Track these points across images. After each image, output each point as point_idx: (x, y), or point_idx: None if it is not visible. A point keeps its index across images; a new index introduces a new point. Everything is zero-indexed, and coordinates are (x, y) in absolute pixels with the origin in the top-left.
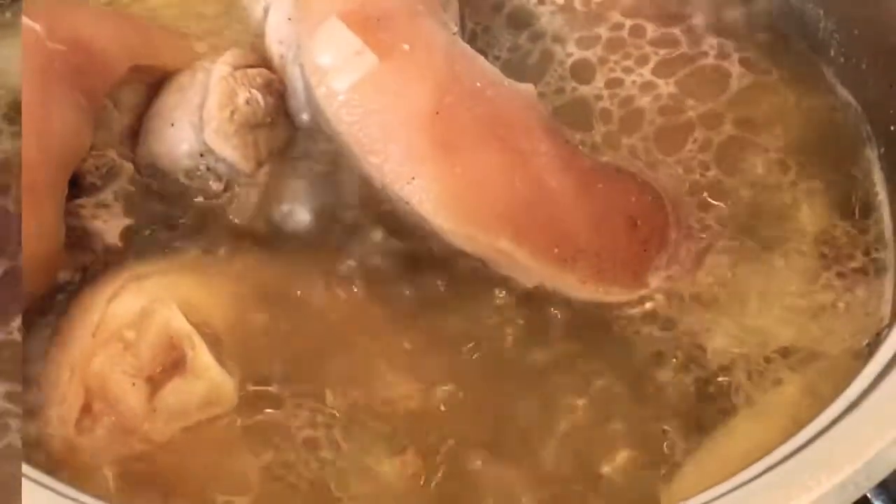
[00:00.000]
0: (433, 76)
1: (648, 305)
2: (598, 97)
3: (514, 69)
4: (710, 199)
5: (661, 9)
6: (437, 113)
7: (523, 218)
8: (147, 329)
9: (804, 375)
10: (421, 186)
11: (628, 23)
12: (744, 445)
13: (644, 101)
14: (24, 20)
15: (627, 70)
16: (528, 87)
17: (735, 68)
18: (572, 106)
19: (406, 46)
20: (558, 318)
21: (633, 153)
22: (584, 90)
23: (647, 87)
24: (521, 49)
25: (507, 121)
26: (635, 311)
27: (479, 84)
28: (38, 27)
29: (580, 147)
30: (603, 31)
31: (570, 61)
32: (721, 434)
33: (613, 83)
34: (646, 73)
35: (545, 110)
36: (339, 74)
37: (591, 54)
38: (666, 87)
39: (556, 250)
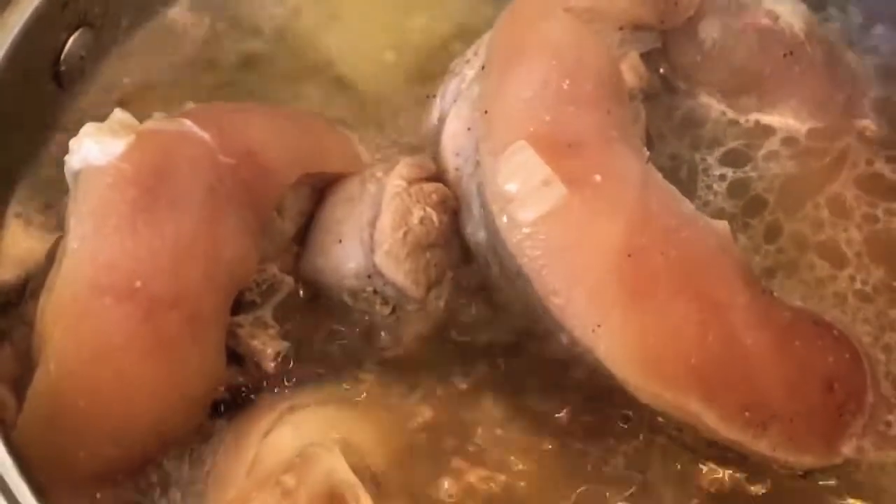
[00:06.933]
0: (625, 213)
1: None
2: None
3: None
4: None
5: None
6: (629, 255)
7: (715, 378)
8: (308, 477)
9: None
10: (606, 336)
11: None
12: None
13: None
14: (193, 129)
15: None
16: (723, 226)
17: None
18: None
19: (598, 177)
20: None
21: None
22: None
23: None
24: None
25: (702, 266)
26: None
27: (673, 223)
28: (208, 137)
29: (775, 295)
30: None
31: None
32: None
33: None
34: None
35: (740, 253)
36: (525, 205)
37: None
38: None
39: (746, 414)
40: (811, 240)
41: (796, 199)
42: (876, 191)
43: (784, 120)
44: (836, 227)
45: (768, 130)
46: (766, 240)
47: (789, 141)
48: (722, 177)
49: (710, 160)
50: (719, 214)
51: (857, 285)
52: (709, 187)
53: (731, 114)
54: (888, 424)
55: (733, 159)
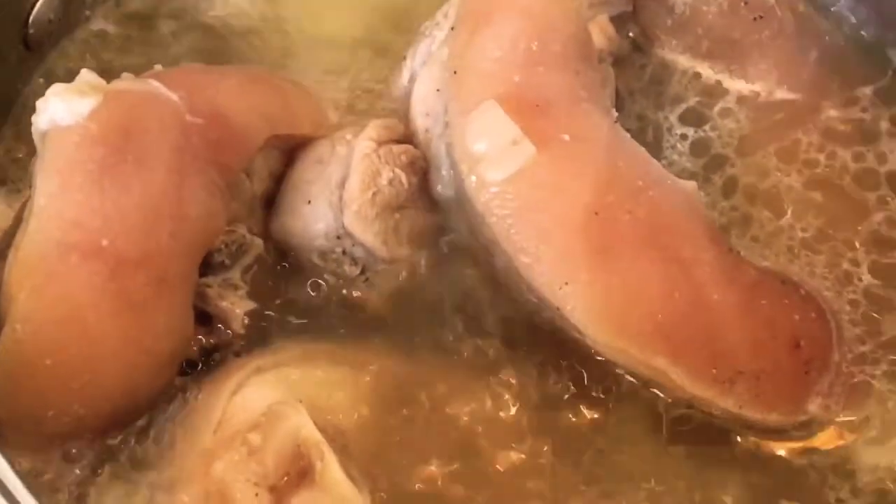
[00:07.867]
0: (593, 172)
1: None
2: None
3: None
4: (873, 313)
5: None
6: (596, 213)
7: (681, 334)
8: (274, 434)
9: None
10: (574, 293)
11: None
12: None
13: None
14: (161, 89)
15: None
16: (690, 185)
17: None
18: None
19: (566, 137)
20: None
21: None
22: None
23: None
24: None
25: (669, 225)
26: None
27: (640, 183)
28: (176, 98)
29: (742, 254)
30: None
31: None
32: None
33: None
34: None
35: (707, 212)
36: (493, 165)
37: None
38: None
39: (713, 371)
40: (760, 188)
41: (752, 152)
42: (834, 145)
43: (753, 82)
44: (781, 173)
45: (733, 90)
46: (724, 195)
47: (746, 99)
48: (683, 136)
49: (672, 119)
50: (682, 174)
51: (799, 233)
52: (673, 147)
53: (700, 76)
54: (853, 382)
55: (697, 119)
